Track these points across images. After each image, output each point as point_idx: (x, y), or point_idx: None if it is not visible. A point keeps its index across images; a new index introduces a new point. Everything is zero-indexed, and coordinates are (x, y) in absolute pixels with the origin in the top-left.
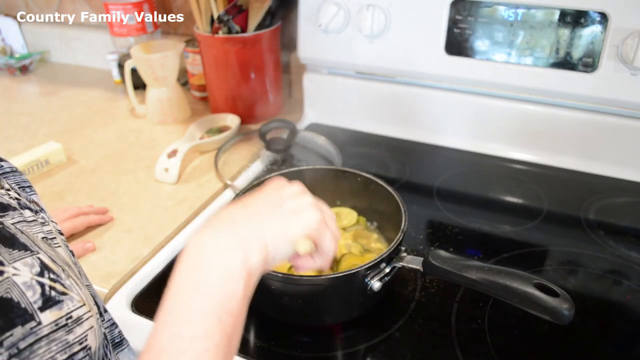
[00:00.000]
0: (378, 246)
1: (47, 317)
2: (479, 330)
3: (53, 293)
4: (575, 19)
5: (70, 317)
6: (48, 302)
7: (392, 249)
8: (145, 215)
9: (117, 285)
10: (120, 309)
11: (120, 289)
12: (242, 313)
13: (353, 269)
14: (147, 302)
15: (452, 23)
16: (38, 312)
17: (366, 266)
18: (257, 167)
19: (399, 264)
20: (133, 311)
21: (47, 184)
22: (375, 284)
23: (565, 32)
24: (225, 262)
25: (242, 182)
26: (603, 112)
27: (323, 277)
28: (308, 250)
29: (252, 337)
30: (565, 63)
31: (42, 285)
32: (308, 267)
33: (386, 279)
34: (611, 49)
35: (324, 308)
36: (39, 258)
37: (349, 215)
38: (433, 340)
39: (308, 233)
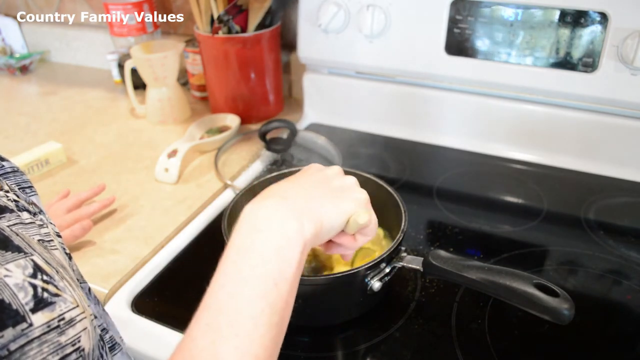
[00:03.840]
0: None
1: (39, 319)
2: (479, 330)
3: (45, 295)
4: (575, 19)
5: (63, 319)
6: (40, 304)
7: (392, 249)
8: (145, 215)
9: (117, 285)
10: (120, 309)
11: (120, 289)
12: (296, 282)
13: (353, 269)
14: (147, 302)
15: (452, 23)
16: (30, 313)
17: (366, 266)
18: (257, 167)
19: (399, 264)
20: (133, 311)
21: (47, 184)
22: (375, 284)
23: (565, 32)
24: (282, 229)
25: (242, 182)
26: (603, 112)
27: (323, 277)
28: (366, 221)
29: None
30: (565, 63)
31: (34, 286)
32: (348, 246)
33: (386, 279)
34: (611, 49)
35: (324, 308)
36: (32, 260)
37: None
38: (433, 340)
39: (361, 208)
